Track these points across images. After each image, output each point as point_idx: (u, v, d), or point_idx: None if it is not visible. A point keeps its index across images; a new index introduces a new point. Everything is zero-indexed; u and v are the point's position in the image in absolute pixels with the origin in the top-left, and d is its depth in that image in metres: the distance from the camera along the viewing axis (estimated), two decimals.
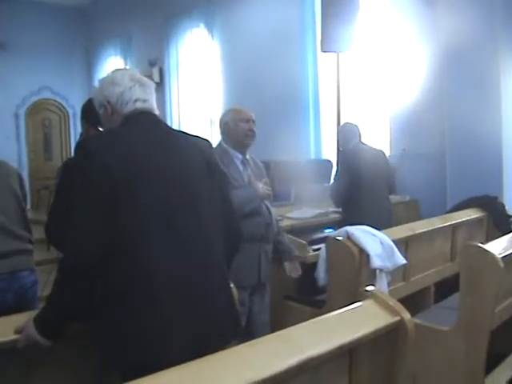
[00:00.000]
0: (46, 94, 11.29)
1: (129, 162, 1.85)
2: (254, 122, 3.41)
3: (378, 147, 5.03)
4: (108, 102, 2.05)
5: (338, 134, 5.04)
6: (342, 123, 5.48)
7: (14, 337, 1.85)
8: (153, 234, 1.85)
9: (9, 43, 10.58)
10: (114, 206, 1.80)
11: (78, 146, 1.94)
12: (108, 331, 1.85)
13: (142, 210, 1.84)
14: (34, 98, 11.21)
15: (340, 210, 4.84)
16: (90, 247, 1.77)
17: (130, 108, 2.03)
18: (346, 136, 4.88)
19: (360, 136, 4.88)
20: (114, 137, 1.96)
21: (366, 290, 2.02)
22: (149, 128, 2.02)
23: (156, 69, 9.97)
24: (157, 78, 9.94)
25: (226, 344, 1.94)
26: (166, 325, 1.82)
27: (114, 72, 2.12)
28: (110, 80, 2.08)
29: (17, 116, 10.94)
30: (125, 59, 10.77)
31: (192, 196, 1.98)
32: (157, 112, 2.11)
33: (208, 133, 8.87)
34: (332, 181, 5.05)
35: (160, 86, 9.91)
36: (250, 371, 1.45)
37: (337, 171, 4.91)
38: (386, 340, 1.87)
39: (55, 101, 11.16)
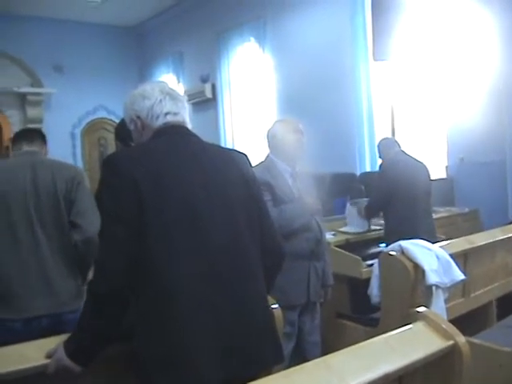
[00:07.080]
0: (102, 113, 11.41)
1: (159, 179, 1.76)
2: (302, 132, 3.28)
3: (421, 160, 4.82)
4: (138, 117, 1.98)
5: (378, 146, 5.00)
6: (384, 137, 5.34)
7: (46, 361, 1.78)
8: (186, 255, 1.76)
9: (65, 65, 10.79)
10: (142, 226, 1.71)
11: (106, 161, 1.85)
12: (139, 355, 1.76)
13: (173, 229, 1.75)
14: (90, 118, 11.35)
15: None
16: (117, 268, 1.70)
17: (160, 122, 1.95)
18: (387, 146, 4.83)
19: (400, 146, 4.78)
20: (143, 152, 1.88)
21: (417, 311, 1.87)
22: (180, 142, 1.93)
23: (208, 85, 9.96)
24: (209, 93, 9.94)
25: (266, 369, 1.82)
26: (199, 348, 1.71)
27: (144, 85, 2.05)
28: (140, 94, 2.01)
29: (73, 136, 11.10)
30: (177, 76, 10.79)
31: (228, 213, 1.88)
32: (189, 126, 2.01)
33: (262, 147, 8.72)
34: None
35: (213, 101, 9.95)
36: None
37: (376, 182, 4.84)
38: (438, 366, 1.71)
39: (111, 120, 11.27)
